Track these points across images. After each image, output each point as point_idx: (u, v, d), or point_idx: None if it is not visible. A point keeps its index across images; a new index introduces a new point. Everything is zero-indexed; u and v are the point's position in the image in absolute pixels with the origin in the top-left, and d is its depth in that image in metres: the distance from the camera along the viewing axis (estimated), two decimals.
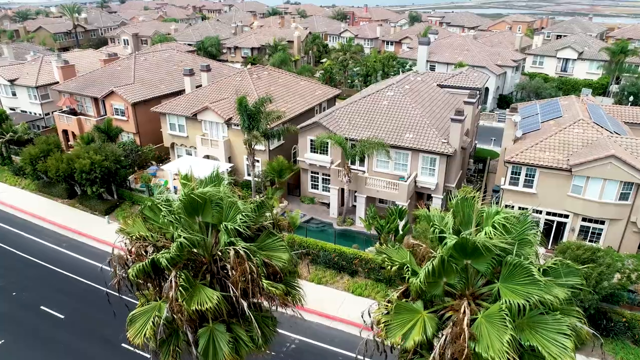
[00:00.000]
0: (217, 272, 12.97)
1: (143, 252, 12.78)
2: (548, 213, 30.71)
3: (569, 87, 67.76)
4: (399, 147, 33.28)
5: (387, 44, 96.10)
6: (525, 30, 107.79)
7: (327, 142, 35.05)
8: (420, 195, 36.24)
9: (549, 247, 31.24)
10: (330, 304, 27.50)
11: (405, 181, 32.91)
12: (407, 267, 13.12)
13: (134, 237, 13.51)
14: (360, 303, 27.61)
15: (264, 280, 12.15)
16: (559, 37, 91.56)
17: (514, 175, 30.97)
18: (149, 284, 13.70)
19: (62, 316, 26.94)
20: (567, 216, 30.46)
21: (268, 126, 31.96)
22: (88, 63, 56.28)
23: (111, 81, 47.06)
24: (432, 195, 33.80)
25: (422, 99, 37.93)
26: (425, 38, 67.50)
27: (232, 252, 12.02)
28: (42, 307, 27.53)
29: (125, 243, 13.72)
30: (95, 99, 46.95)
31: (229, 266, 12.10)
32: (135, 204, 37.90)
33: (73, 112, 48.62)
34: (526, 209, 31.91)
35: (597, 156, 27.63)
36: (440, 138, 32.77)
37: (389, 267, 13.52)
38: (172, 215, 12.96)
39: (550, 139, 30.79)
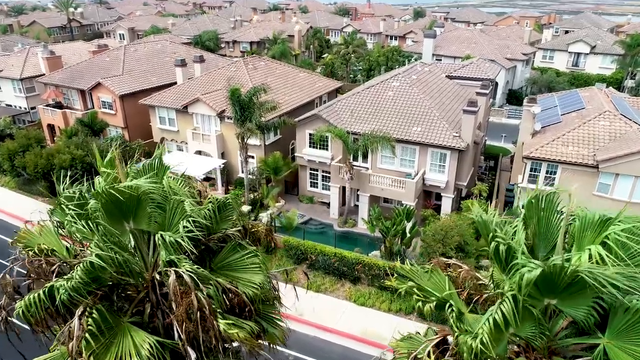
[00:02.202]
0: (158, 302, 8.84)
1: (45, 275, 8.51)
2: None
3: (581, 82, 64.65)
4: (405, 141, 30.41)
5: (391, 38, 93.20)
6: (532, 25, 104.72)
7: (327, 136, 32.22)
8: (428, 195, 33.38)
9: None
10: (330, 315, 24.65)
11: (413, 179, 30.04)
12: (451, 306, 8.33)
13: (32, 252, 8.93)
14: (363, 314, 24.78)
15: (220, 320, 7.85)
16: (567, 32, 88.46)
17: (533, 172, 28.07)
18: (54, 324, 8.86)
19: None
20: None
21: (262, 118, 29.09)
22: (77, 55, 53.58)
23: (99, 73, 44.32)
24: (442, 194, 30.91)
25: (431, 90, 35.03)
26: (431, 31, 64.54)
27: (171, 278, 7.77)
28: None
29: (28, 259, 9.11)
30: (82, 92, 44.21)
31: (172, 296, 7.85)
32: None
33: (59, 106, 45.89)
34: None
35: (629, 151, 24.72)
36: (451, 131, 29.88)
37: (419, 302, 8.93)
38: (84, 222, 8.48)
39: (573, 132, 27.88)
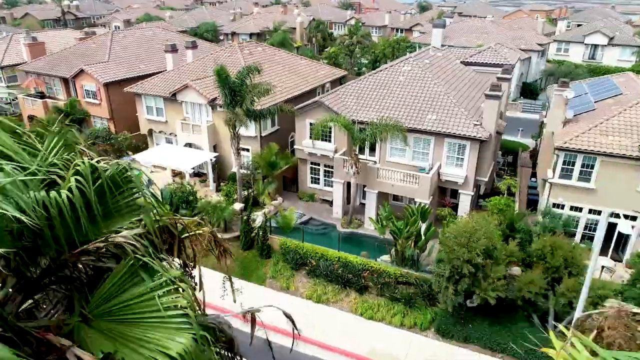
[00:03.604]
0: None
1: None
2: (613, 215, 24.17)
3: (600, 75, 60.94)
4: (419, 131, 26.87)
5: (397, 31, 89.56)
6: (544, 18, 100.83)
7: (330, 127, 28.70)
8: (443, 191, 29.84)
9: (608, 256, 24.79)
10: (332, 331, 21.12)
11: (427, 173, 26.50)
12: None
13: None
14: (372, 329, 21.25)
15: None
16: (579, 26, 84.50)
17: (566, 166, 24.48)
18: None
19: None
20: (635, 218, 23.90)
21: (256, 103, 25.59)
22: (64, 43, 50.13)
23: (83, 60, 40.89)
24: (460, 191, 27.34)
25: (445, 75, 31.46)
26: (440, 20, 60.94)
27: None
28: None
29: None
30: (65, 80, 40.82)
31: None
32: None
33: (41, 96, 42.55)
34: (581, 209, 25.46)
35: None
36: (471, 119, 26.32)
37: None
38: None
39: (613, 120, 24.28)
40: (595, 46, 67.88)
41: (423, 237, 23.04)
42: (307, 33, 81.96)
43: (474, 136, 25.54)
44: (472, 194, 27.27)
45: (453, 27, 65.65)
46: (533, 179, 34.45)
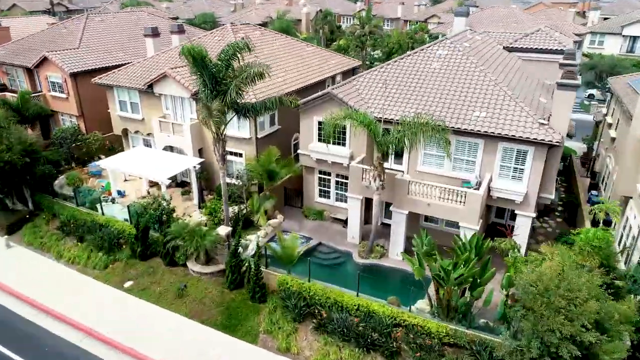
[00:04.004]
0: None
1: None
2: None
3: None
4: (463, 132, 20.27)
5: (410, 24, 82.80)
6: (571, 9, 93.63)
7: (345, 126, 22.17)
8: (488, 210, 23.21)
9: None
10: None
11: (476, 188, 19.90)
12: None
13: None
14: None
15: None
16: (605, 19, 77.18)
17: None
18: None
19: None
20: None
21: (244, 92, 19.00)
22: (35, 30, 43.79)
23: (51, 46, 34.57)
24: (517, 212, 20.68)
25: (490, 62, 24.82)
26: (462, 8, 54.09)
27: None
28: None
29: None
30: (28, 70, 34.49)
31: None
32: (57, 216, 25.26)
33: (3, 89, 36.28)
34: None
35: None
36: (534, 117, 19.69)
37: None
38: None
39: None
40: (635, 38, 60.97)
41: (478, 280, 16.40)
42: (314, 25, 75.36)
43: (542, 140, 18.88)
44: (535, 215, 20.61)
45: (477, 15, 58.81)
46: (593, 192, 27.78)
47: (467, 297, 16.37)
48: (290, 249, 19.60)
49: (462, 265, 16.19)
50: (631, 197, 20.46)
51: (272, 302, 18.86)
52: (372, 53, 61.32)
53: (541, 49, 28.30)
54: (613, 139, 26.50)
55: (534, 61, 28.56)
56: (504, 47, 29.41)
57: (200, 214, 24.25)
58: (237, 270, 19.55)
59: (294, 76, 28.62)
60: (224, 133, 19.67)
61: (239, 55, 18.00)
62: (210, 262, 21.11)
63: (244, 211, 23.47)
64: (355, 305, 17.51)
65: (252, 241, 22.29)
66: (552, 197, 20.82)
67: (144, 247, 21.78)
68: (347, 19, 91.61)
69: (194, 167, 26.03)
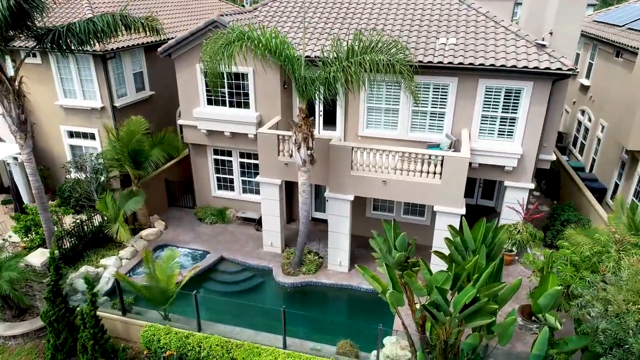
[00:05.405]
0: None
1: None
2: None
3: None
4: (428, 67, 13.19)
5: None
6: None
7: (245, 75, 14.19)
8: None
9: None
10: None
11: (450, 149, 13.03)
12: None
13: None
14: None
15: None
16: None
17: None
18: None
19: None
20: None
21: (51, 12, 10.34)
22: None
23: None
24: (506, 183, 14.10)
25: None
26: None
27: None
28: None
29: None
30: None
31: None
32: None
33: None
34: None
35: None
36: (529, 39, 13.23)
37: None
38: None
39: None
40: None
41: (493, 300, 9.24)
42: None
43: (545, 68, 12.38)
44: (534, 186, 14.19)
45: None
46: (563, 156, 22.50)
47: (479, 334, 9.20)
48: (164, 277, 11.23)
49: (466, 279, 9.01)
50: None
51: None
52: None
53: None
54: (586, 88, 21.35)
55: None
56: None
57: (11, 231, 14.84)
58: (64, 327, 10.73)
59: (170, 23, 20.03)
60: (22, 95, 10.74)
61: None
62: (24, 315, 12.05)
63: (102, 222, 14.54)
64: None
65: (108, 268, 13.58)
66: (553, 157, 14.55)
67: None
68: None
69: (14, 158, 16.48)
